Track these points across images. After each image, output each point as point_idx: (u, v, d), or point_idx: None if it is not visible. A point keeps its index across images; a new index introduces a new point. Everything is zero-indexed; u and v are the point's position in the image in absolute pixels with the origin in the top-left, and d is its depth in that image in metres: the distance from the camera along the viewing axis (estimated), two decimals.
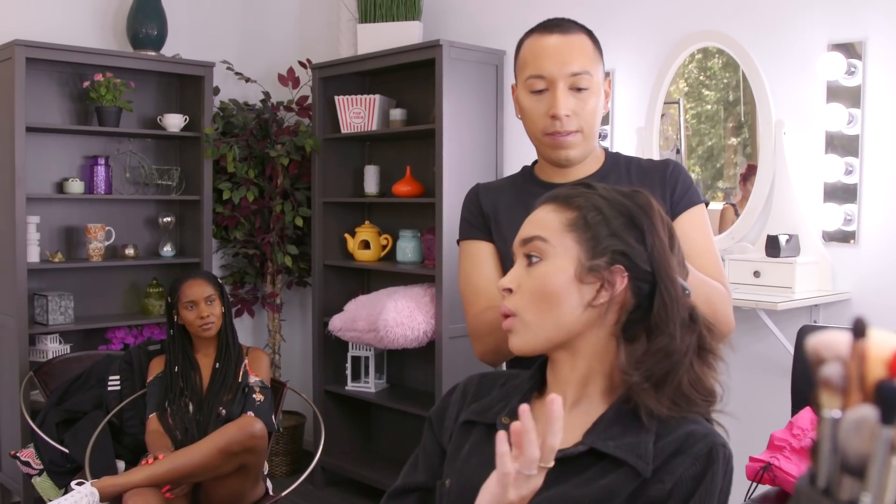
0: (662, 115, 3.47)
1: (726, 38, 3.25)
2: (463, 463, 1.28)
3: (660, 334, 1.18)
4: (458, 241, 1.84)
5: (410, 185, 4.13)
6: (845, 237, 3.00)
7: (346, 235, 4.37)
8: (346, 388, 4.31)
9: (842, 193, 3.00)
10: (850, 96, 2.98)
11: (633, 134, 3.55)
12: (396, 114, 4.15)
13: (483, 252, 1.77)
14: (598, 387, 1.24)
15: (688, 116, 3.44)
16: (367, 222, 4.39)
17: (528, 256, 1.26)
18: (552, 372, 1.30)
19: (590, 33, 1.75)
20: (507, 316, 1.28)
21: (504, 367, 1.83)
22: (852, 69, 2.96)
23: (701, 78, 3.40)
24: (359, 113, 4.19)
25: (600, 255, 1.22)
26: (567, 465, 1.18)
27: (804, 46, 3.07)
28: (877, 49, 2.94)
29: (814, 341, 0.65)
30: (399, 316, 3.78)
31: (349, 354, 4.27)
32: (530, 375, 1.35)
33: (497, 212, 1.76)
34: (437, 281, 3.81)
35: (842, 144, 3.00)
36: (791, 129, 3.10)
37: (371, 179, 4.35)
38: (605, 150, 1.83)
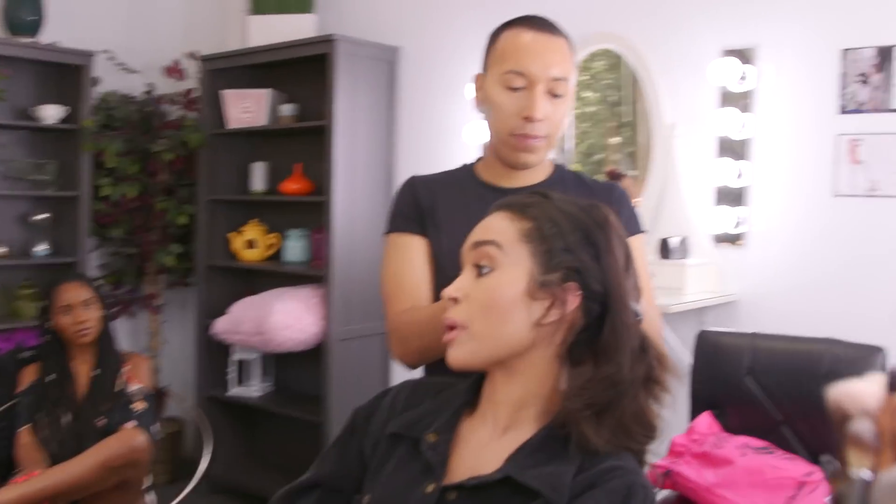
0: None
1: (620, 40, 3.25)
2: (387, 479, 1.20)
3: (607, 361, 1.12)
4: (385, 234, 1.74)
5: (300, 182, 4.02)
6: (734, 239, 3.03)
7: (232, 234, 4.21)
8: (230, 392, 4.15)
9: (733, 197, 3.03)
10: (741, 101, 3.02)
11: None
12: (287, 109, 4.03)
13: (415, 247, 1.67)
14: (533, 412, 1.17)
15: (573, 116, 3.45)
16: (253, 221, 4.25)
17: (479, 266, 1.18)
18: (489, 390, 1.21)
19: (568, 39, 1.67)
20: (452, 327, 1.19)
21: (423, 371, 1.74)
22: (744, 75, 3.00)
23: (584, 79, 3.41)
24: (247, 107, 4.05)
25: (553, 270, 1.15)
26: (483, 493, 1.11)
27: (698, 52, 3.10)
28: (767, 55, 2.99)
29: (836, 393, 0.58)
30: (287, 318, 3.66)
31: (233, 358, 4.12)
32: (466, 389, 1.25)
33: (435, 208, 1.67)
34: (326, 282, 3.70)
35: (733, 148, 3.03)
36: (684, 133, 3.12)
37: (258, 176, 4.21)
38: (552, 161, 1.76)
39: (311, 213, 4.08)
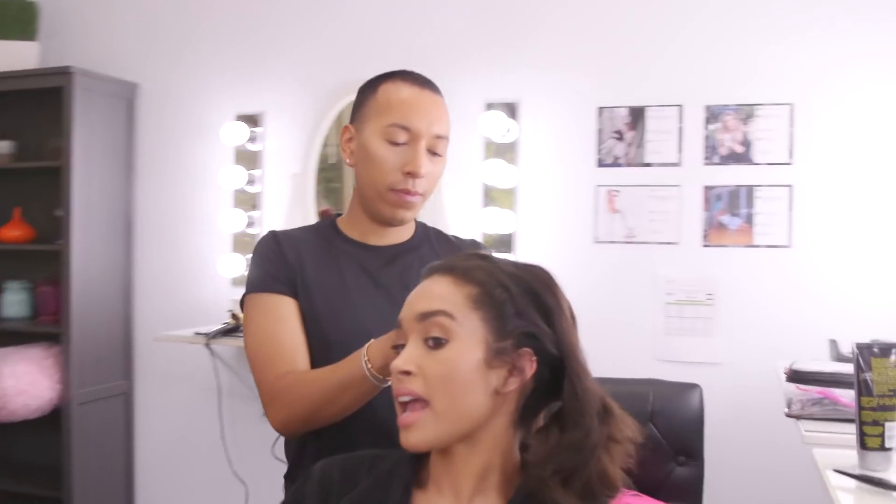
0: (332, 164, 3.40)
1: None
2: None
3: (573, 426, 1.08)
4: (251, 293, 1.58)
5: (20, 229, 3.60)
6: None
7: None
8: None
9: (501, 243, 3.16)
10: (507, 153, 3.16)
11: (288, 180, 3.43)
12: (2, 147, 3.60)
13: (287, 308, 1.54)
14: (495, 480, 1.13)
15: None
16: None
17: (431, 338, 1.11)
18: (444, 463, 1.14)
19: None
20: (406, 402, 1.11)
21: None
22: (509, 128, 3.15)
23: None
24: None
25: (506, 336, 1.10)
26: None
27: (464, 104, 3.19)
28: (530, 110, 3.16)
29: None
30: (19, 383, 3.25)
31: None
32: (408, 462, 1.17)
33: (303, 267, 1.56)
34: (64, 340, 3.34)
35: (500, 197, 3.17)
36: (452, 182, 3.19)
37: None
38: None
39: (35, 262, 3.67)
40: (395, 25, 3.32)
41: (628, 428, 1.14)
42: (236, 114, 3.50)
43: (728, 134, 2.99)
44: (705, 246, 3.01)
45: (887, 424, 1.44)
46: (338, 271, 1.58)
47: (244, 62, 3.51)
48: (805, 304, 2.89)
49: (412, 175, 1.52)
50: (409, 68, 1.62)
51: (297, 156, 3.42)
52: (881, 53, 2.84)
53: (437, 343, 1.10)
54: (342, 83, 3.33)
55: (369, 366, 1.34)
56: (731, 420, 2.88)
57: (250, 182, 3.47)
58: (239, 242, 3.49)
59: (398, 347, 1.16)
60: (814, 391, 1.92)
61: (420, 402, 1.10)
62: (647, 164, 3.07)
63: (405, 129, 1.52)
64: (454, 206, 3.20)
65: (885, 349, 1.45)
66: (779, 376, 2.51)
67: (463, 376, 1.09)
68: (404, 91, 1.55)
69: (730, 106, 2.99)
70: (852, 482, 1.43)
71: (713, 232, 3.00)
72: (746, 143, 2.97)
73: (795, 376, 1.96)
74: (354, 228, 1.64)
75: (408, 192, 1.54)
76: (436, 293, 1.14)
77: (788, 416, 1.94)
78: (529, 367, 1.10)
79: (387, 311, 1.44)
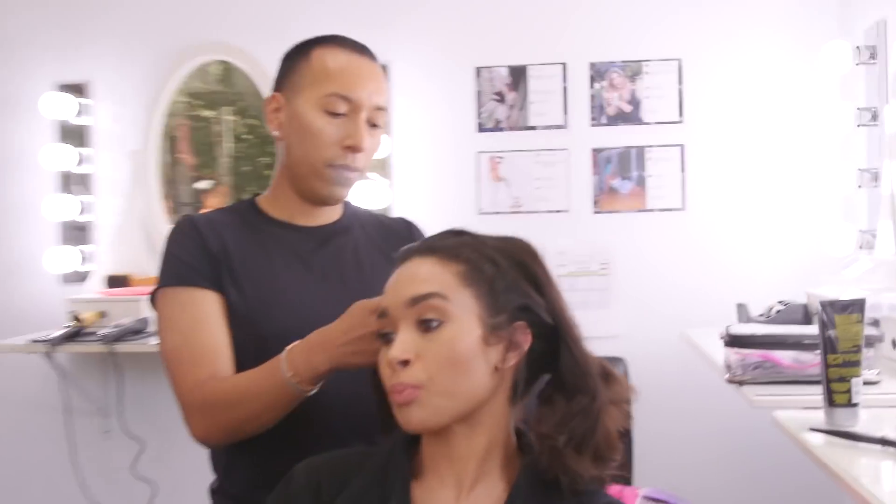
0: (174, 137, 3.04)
1: (234, 51, 2.92)
2: None
3: (579, 392, 1.07)
4: (163, 286, 1.40)
5: None
6: None
7: None
8: None
9: None
10: None
11: (126, 158, 3.01)
12: None
13: (209, 304, 1.38)
14: (497, 462, 1.10)
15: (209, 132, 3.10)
16: None
17: (425, 321, 1.05)
18: (443, 448, 1.09)
19: None
20: (402, 390, 1.05)
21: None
22: None
23: (216, 88, 3.13)
24: None
25: (500, 311, 1.07)
26: None
27: None
28: (399, 71, 2.89)
29: None
30: None
31: None
32: (400, 454, 1.11)
33: (228, 253, 1.41)
34: None
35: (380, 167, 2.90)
36: None
37: None
38: None
39: None
40: None
41: (625, 390, 1.15)
42: (58, 83, 3.03)
43: (615, 93, 2.83)
44: (596, 213, 2.86)
45: (853, 380, 1.44)
46: (266, 257, 1.42)
47: (64, 22, 3.05)
48: (704, 269, 2.81)
49: (353, 149, 1.40)
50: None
51: (137, 130, 3.01)
52: (770, 5, 2.76)
53: (432, 325, 1.06)
54: (184, 46, 2.97)
55: (294, 379, 1.24)
56: (646, 390, 2.74)
57: (80, 162, 3.02)
58: (70, 232, 3.04)
59: (386, 336, 1.09)
60: (754, 354, 1.83)
61: (419, 388, 1.05)
62: (532, 128, 2.88)
63: (345, 98, 1.39)
64: None
65: (847, 305, 1.45)
66: (692, 343, 2.41)
67: (464, 355, 1.05)
68: (341, 57, 1.42)
69: (616, 63, 2.83)
70: (820, 438, 1.42)
71: (604, 198, 2.85)
72: (635, 102, 2.82)
73: (734, 340, 1.87)
74: (280, 208, 1.49)
75: (347, 168, 1.42)
76: (422, 275, 1.08)
77: (730, 381, 1.86)
78: (525, 340, 1.08)
79: (324, 298, 1.36)
